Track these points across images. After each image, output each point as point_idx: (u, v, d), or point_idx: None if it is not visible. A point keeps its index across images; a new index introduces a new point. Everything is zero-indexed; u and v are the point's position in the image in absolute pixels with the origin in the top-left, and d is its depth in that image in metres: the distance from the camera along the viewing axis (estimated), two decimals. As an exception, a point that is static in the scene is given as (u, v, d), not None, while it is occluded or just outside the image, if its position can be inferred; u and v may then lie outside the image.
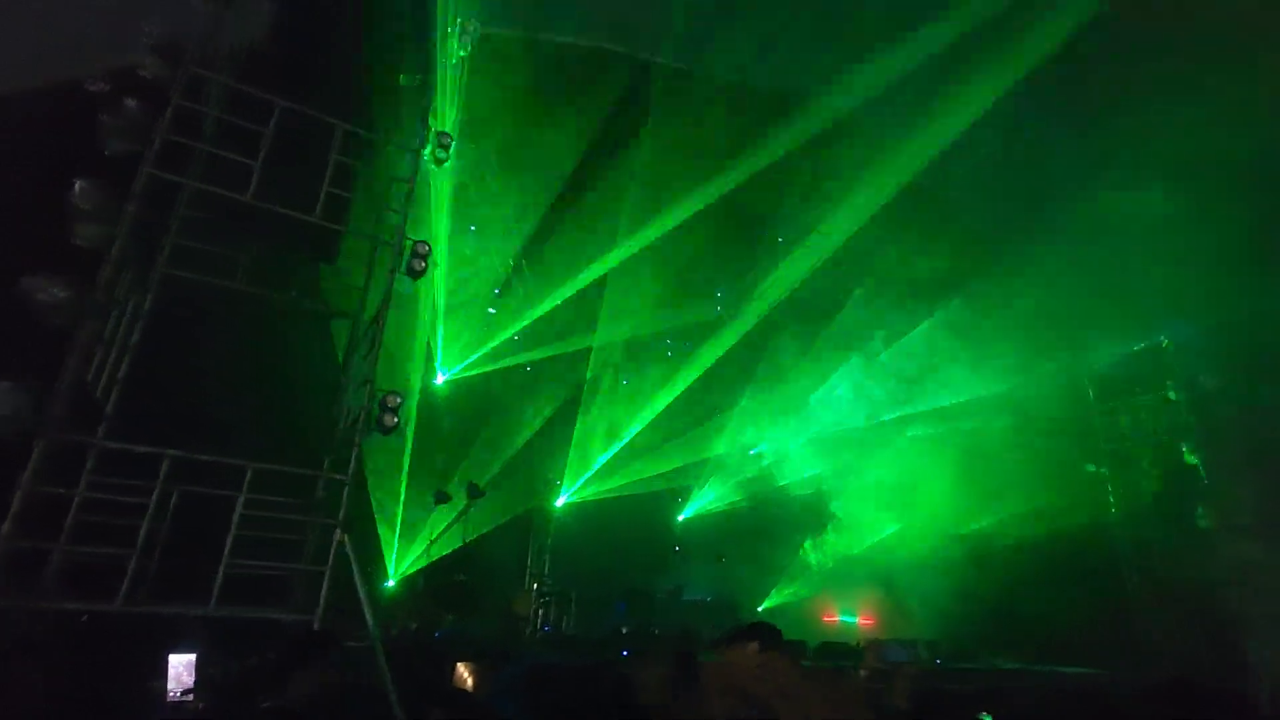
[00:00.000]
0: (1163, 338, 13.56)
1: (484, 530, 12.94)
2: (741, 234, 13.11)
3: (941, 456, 13.92)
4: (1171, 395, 13.48)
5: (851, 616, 14.90)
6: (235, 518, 5.97)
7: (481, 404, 13.04)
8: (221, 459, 6.11)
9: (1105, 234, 12.23)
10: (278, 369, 8.01)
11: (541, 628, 11.67)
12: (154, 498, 5.64)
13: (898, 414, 14.46)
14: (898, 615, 14.17)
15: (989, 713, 5.18)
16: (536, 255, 12.69)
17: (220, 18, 6.76)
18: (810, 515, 15.49)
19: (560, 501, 13.97)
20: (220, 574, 5.75)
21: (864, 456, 14.84)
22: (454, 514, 12.49)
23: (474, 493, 12.25)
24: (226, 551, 5.85)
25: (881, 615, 14.50)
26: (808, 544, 15.46)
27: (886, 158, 13.01)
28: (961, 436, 13.85)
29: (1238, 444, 12.06)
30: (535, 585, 12.16)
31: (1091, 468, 13.94)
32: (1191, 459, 12.95)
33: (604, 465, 14.19)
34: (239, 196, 6.49)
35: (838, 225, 13.51)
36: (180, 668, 4.96)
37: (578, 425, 13.90)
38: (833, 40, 11.68)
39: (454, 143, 7.38)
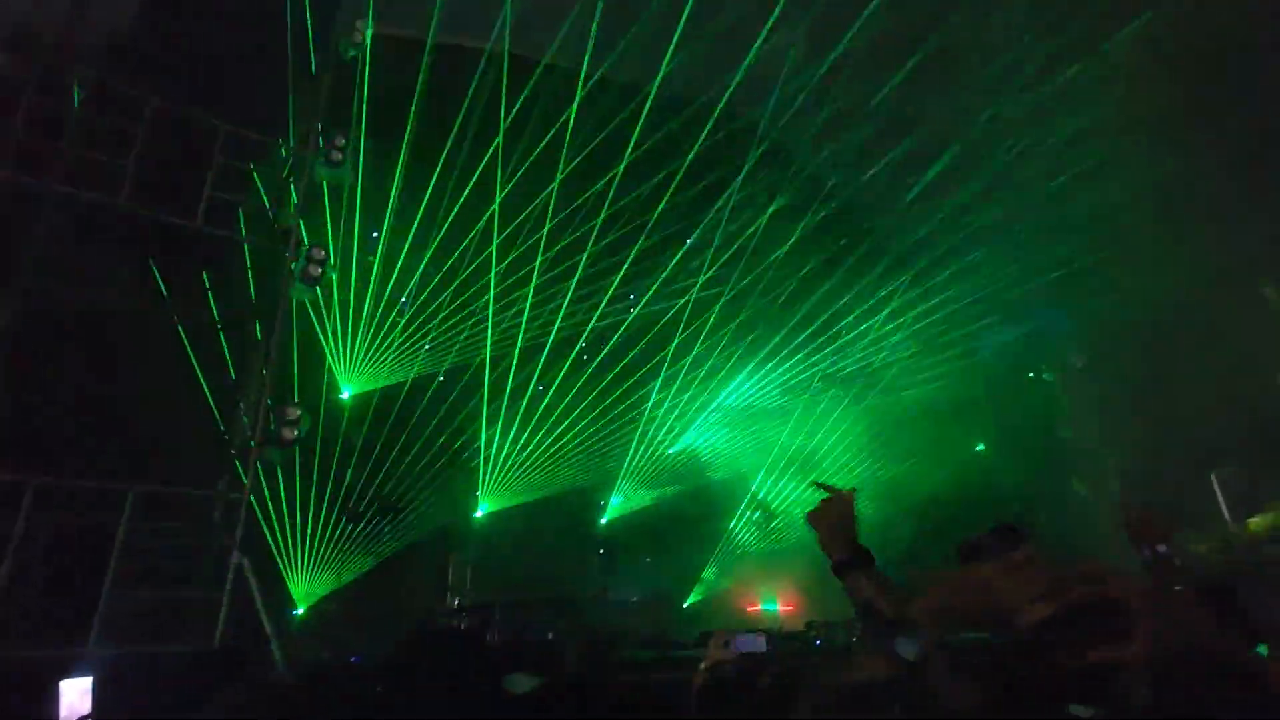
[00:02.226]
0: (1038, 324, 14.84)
1: (399, 547, 12.49)
2: (651, 232, 13.30)
3: (849, 431, 14.70)
4: (1046, 376, 14.81)
5: (773, 604, 15.38)
6: (118, 545, 5.52)
7: (391, 416, 12.58)
8: (99, 484, 5.65)
9: (985, 239, 13.31)
10: (163, 385, 7.46)
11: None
12: (19, 529, 5.14)
13: (806, 386, 15.01)
14: (820, 600, 14.76)
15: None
16: (445, 261, 12.39)
17: (84, 7, 6.28)
18: (732, 497, 15.93)
19: (479, 512, 13.67)
20: (101, 608, 5.30)
21: (775, 430, 15.34)
22: (366, 532, 12.00)
23: (386, 508, 11.84)
24: (108, 583, 5.40)
25: (800, 600, 15.05)
26: (734, 525, 15.85)
27: (795, 168, 13.59)
28: (868, 414, 14.67)
29: (1102, 416, 13.40)
30: (456, 599, 11.87)
31: (980, 446, 15.07)
32: (1065, 432, 14.27)
33: (523, 473, 14.00)
34: (110, 201, 6.02)
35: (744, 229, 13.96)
36: (74, 694, 4.49)
37: (494, 434, 13.64)
38: (733, 48, 12.14)
39: (348, 144, 7.13)
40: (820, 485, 1.75)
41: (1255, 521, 11.83)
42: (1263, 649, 2.37)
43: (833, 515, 1.64)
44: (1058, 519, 13.22)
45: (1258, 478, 12.17)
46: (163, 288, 7.22)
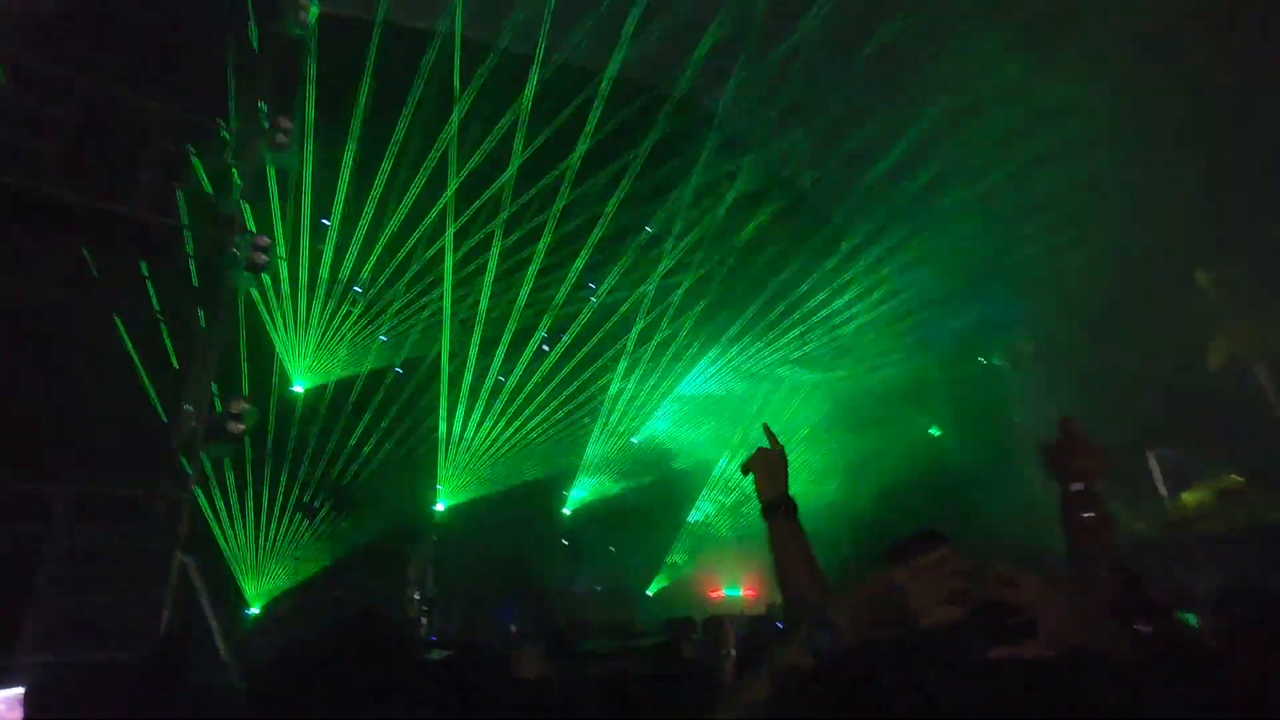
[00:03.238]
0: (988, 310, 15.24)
1: (358, 543, 12.23)
2: (610, 219, 13.20)
3: (810, 415, 14.94)
4: (996, 361, 15.27)
5: (736, 590, 15.58)
6: (49, 550, 5.25)
7: (347, 410, 12.27)
8: (30, 486, 5.36)
9: (939, 229, 13.61)
10: (101, 380, 7.10)
11: (428, 638, 11.23)
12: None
13: (767, 371, 15.14)
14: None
15: None
16: (399, 249, 12.07)
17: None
18: (695, 485, 16.06)
19: (440, 506, 13.47)
20: (33, 615, 5.05)
21: (737, 417, 15.49)
22: (322, 528, 11.73)
23: (343, 504, 11.58)
24: (40, 589, 5.14)
25: (762, 586, 15.29)
26: (698, 513, 16.01)
27: (752, 153, 13.64)
28: (828, 398, 14.91)
29: (1050, 401, 13.88)
30: (417, 594, 11.68)
31: (936, 431, 15.47)
32: (1016, 417, 14.74)
33: (484, 464, 13.84)
34: (38, 186, 5.68)
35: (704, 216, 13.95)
36: (3, 704, 4.27)
37: (454, 426, 13.44)
38: (691, 38, 12.12)
39: (294, 127, 6.86)
40: (767, 429, 1.94)
41: (1188, 497, 12.46)
42: (1191, 618, 2.48)
43: (768, 461, 1.82)
44: (1008, 503, 13.64)
45: (1192, 456, 12.80)
46: (97, 276, 6.86)
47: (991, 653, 1.03)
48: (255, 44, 7.73)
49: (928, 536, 1.24)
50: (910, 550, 1.22)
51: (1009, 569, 1.14)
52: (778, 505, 1.75)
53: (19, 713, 4.32)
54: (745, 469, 1.85)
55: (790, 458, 1.89)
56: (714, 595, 15.59)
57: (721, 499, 16.06)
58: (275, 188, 9.18)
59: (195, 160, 7.26)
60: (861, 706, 1.08)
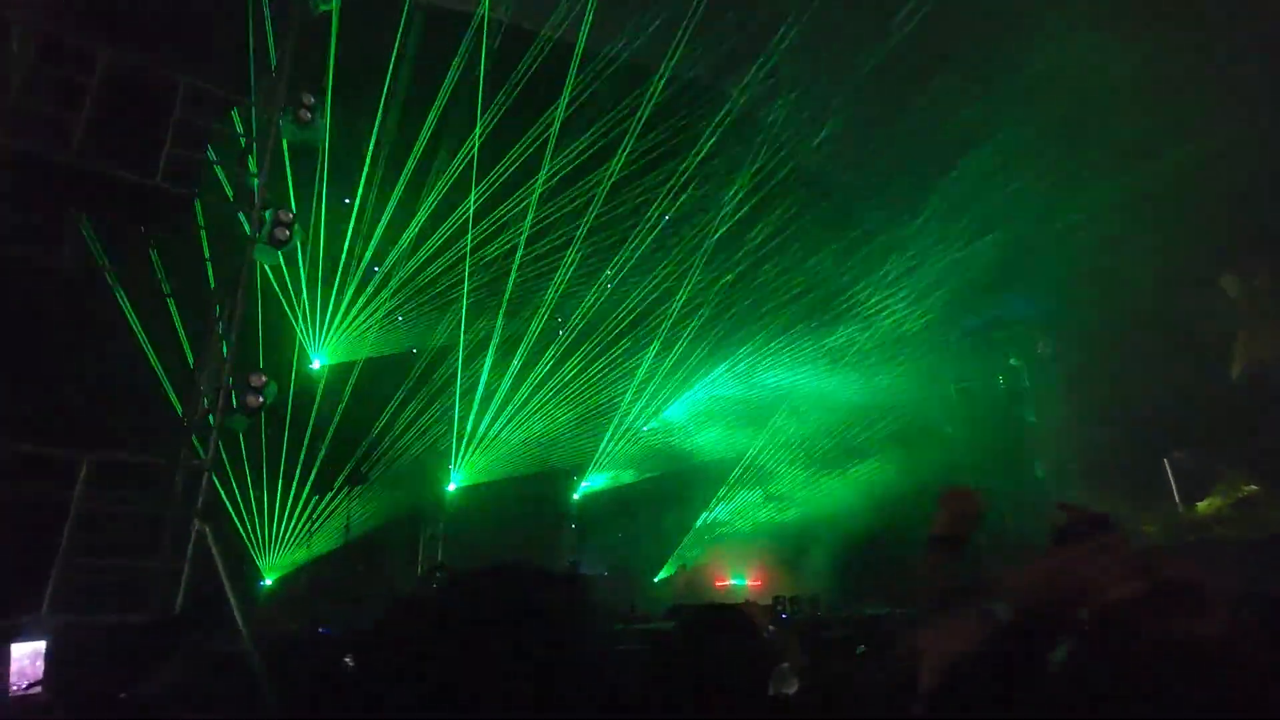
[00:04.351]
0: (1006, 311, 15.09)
1: (370, 519, 12.40)
2: (631, 208, 13.14)
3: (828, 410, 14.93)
4: (1013, 361, 15.13)
5: (741, 579, 15.67)
6: (72, 514, 5.37)
7: (364, 388, 12.39)
8: (47, 450, 5.47)
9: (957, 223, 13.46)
10: (122, 351, 7.24)
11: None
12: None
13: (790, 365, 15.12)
14: (785, 576, 15.11)
15: (864, 645, 5.85)
16: (420, 228, 12.10)
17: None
18: (707, 476, 16.13)
19: (452, 485, 13.61)
20: (54, 577, 5.17)
21: (758, 416, 15.51)
22: (336, 503, 11.90)
23: (359, 481, 11.76)
24: (61, 552, 5.27)
25: (768, 578, 15.39)
26: (713, 510, 16.12)
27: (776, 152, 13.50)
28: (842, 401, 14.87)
29: (1066, 403, 13.76)
30: (426, 571, 11.85)
31: (949, 430, 15.37)
32: (1030, 418, 14.65)
33: (497, 446, 13.94)
34: (60, 156, 5.74)
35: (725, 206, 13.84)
36: (25, 658, 4.41)
37: (469, 407, 13.54)
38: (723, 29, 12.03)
39: (315, 103, 6.88)
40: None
41: (1203, 505, 12.35)
42: None
43: (964, 505, 1.80)
44: (1019, 503, 13.56)
45: (1209, 463, 12.66)
46: (117, 249, 6.96)
47: (1168, 630, 1.05)
48: (281, 16, 7.75)
49: (1101, 521, 1.27)
50: (1086, 531, 1.24)
51: (1173, 556, 1.18)
52: (947, 543, 1.77)
53: (40, 666, 4.46)
54: (943, 496, 1.84)
55: (812, 460, 1.86)
56: (720, 584, 15.68)
57: (736, 496, 16.15)
58: (296, 164, 9.24)
59: (216, 134, 7.31)
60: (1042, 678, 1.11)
